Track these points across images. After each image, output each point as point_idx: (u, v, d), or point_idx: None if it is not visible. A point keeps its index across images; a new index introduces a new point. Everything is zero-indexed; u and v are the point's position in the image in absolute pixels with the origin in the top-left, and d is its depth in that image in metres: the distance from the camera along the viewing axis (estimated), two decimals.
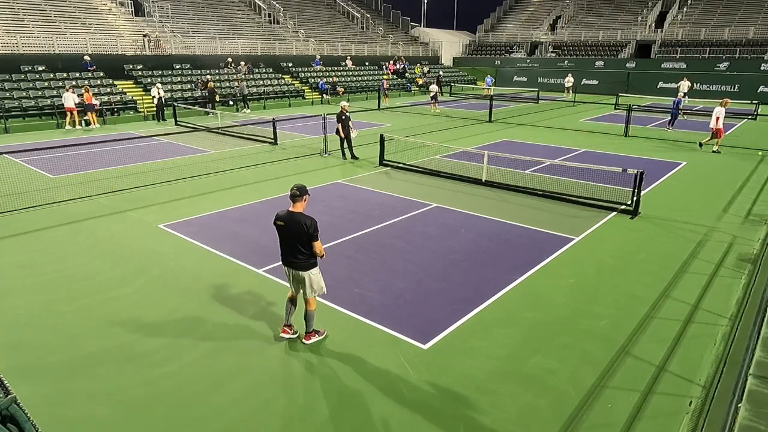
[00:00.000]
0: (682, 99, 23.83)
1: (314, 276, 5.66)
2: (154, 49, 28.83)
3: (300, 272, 5.61)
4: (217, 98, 26.67)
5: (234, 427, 4.60)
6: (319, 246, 5.55)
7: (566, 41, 47.98)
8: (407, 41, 49.75)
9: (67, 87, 21.50)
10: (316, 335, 5.90)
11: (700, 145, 17.44)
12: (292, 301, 5.94)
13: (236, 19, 37.67)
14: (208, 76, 28.47)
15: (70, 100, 20.86)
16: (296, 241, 5.47)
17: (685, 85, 29.79)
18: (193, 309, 6.63)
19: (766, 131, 21.69)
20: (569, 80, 37.50)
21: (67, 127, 21.05)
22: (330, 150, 16.28)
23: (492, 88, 37.14)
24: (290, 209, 5.53)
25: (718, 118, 16.65)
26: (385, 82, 32.21)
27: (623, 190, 11.46)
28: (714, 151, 16.84)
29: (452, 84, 41.53)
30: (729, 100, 17.76)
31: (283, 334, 5.93)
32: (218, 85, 28.23)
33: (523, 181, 12.73)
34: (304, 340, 5.84)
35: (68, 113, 21.09)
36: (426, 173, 13.79)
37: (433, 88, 28.95)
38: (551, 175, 13.54)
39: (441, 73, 41.63)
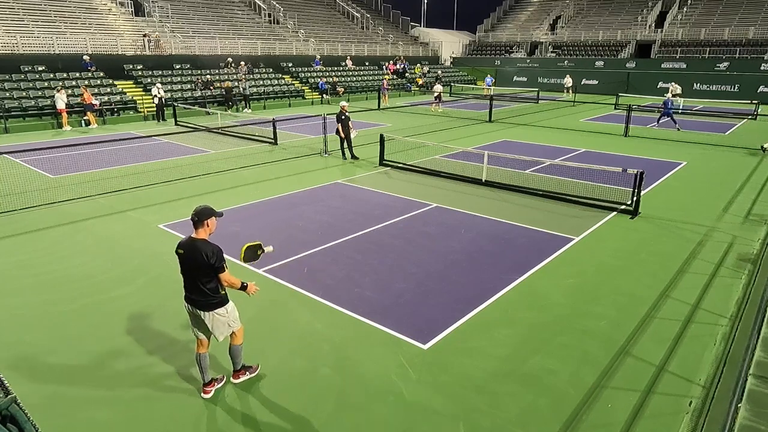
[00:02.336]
0: (671, 99, 23.73)
1: (219, 318, 4.74)
2: (154, 49, 28.83)
3: (200, 311, 4.70)
4: (237, 98, 26.91)
5: (233, 425, 4.60)
6: (228, 277, 4.63)
7: (566, 41, 47.98)
8: (407, 41, 49.75)
9: (58, 88, 21.42)
10: (247, 373, 5.17)
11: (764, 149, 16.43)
12: (202, 356, 4.92)
13: (236, 19, 37.67)
14: (208, 76, 28.50)
15: (59, 101, 20.81)
16: (196, 273, 4.58)
17: (675, 88, 30.26)
18: None
19: (766, 131, 21.67)
20: (568, 81, 37.63)
21: (65, 128, 21.00)
22: (330, 150, 16.28)
23: (492, 88, 37.20)
24: (192, 235, 4.63)
25: None
26: (385, 81, 32.24)
27: (623, 190, 11.46)
28: None
29: (452, 84, 41.53)
30: None
31: (205, 395, 4.94)
32: (218, 84, 28.25)
33: (523, 181, 12.73)
34: (232, 379, 5.13)
35: (62, 114, 20.99)
36: (426, 173, 13.79)
37: (437, 88, 29.11)
38: (551, 175, 13.54)
39: (440, 72, 41.60)
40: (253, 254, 5.05)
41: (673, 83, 31.38)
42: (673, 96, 29.60)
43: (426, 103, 31.91)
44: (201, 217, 4.56)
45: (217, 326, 4.76)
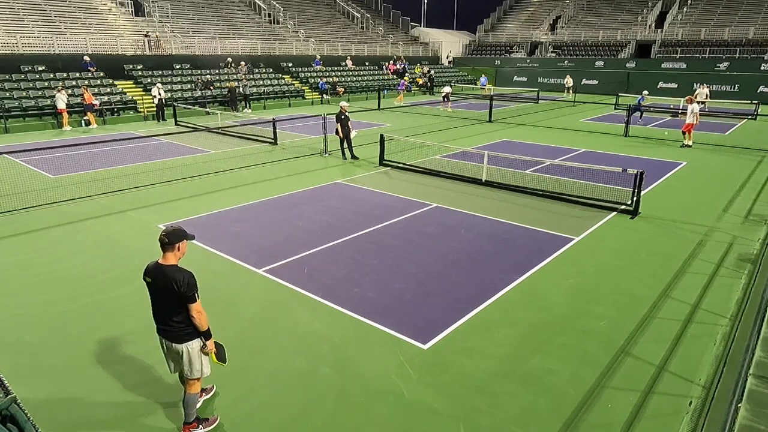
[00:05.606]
0: (643, 97, 24.22)
1: (194, 350, 4.29)
2: (154, 49, 28.83)
3: (174, 344, 4.25)
4: (238, 97, 27.03)
5: (236, 423, 4.60)
6: (198, 310, 4.14)
7: (566, 41, 47.97)
8: (407, 41, 49.74)
9: (59, 87, 21.44)
10: (200, 426, 4.47)
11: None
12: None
13: (236, 19, 37.67)
14: (208, 76, 28.50)
15: (60, 101, 20.82)
16: (166, 303, 4.15)
17: (703, 92, 29.15)
18: None
19: (766, 131, 21.69)
20: (569, 81, 37.75)
21: (64, 128, 21.01)
22: (330, 150, 16.28)
23: (487, 87, 37.48)
24: (160, 261, 4.18)
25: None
26: (403, 83, 33.12)
27: (623, 190, 11.46)
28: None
29: (452, 84, 41.50)
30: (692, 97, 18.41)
31: None
32: (218, 84, 28.26)
33: (523, 181, 12.73)
34: None
35: (62, 114, 21.00)
36: (426, 173, 13.79)
37: (446, 89, 29.56)
38: (551, 175, 13.54)
39: (432, 72, 41.47)
40: (221, 352, 4.59)
41: (704, 84, 30.17)
42: (698, 102, 28.62)
43: (425, 103, 31.94)
44: (172, 238, 4.09)
45: (193, 360, 4.31)
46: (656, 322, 6.31)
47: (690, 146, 17.79)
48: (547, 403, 4.88)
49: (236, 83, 27.60)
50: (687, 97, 18.25)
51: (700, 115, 20.70)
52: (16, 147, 15.76)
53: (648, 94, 25.80)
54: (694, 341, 5.90)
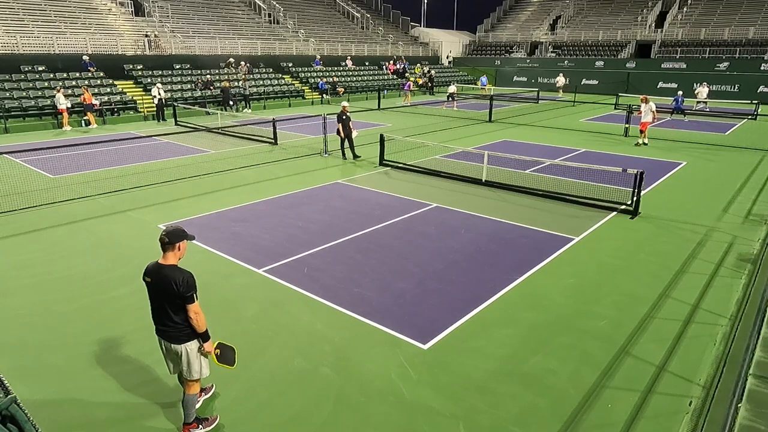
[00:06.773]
0: (681, 98, 24.70)
1: (193, 351, 4.30)
2: (154, 49, 28.82)
3: (173, 345, 4.27)
4: (237, 98, 27.12)
5: (236, 423, 4.60)
6: (195, 311, 4.14)
7: (566, 41, 47.97)
8: (407, 41, 49.74)
9: (58, 87, 21.43)
10: (200, 426, 4.48)
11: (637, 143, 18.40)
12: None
13: (236, 19, 37.67)
14: (208, 76, 28.49)
15: (60, 101, 20.83)
16: (165, 303, 4.15)
17: (704, 91, 29.19)
18: None
19: (766, 131, 21.69)
20: (560, 80, 37.92)
21: (65, 128, 21.01)
22: (330, 150, 16.29)
23: (488, 87, 37.51)
24: (160, 261, 4.19)
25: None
26: (410, 84, 33.47)
27: (623, 190, 11.46)
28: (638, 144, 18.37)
29: (451, 84, 41.51)
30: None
31: None
32: (218, 84, 28.24)
33: (523, 181, 12.73)
34: None
35: (62, 114, 21.01)
36: (426, 173, 13.79)
37: (451, 88, 29.72)
38: (551, 175, 13.54)
39: (433, 72, 41.41)
40: (227, 354, 4.53)
41: (704, 84, 30.18)
42: (697, 102, 28.56)
43: (426, 103, 31.95)
44: (172, 238, 4.11)
45: (192, 360, 4.31)
46: (656, 322, 6.31)
47: (646, 144, 18.14)
48: (547, 403, 4.88)
49: (229, 83, 27.50)
50: (642, 96, 18.45)
51: (701, 114, 20.74)
52: (16, 147, 15.77)
53: (682, 94, 25.95)
54: (694, 341, 5.90)
